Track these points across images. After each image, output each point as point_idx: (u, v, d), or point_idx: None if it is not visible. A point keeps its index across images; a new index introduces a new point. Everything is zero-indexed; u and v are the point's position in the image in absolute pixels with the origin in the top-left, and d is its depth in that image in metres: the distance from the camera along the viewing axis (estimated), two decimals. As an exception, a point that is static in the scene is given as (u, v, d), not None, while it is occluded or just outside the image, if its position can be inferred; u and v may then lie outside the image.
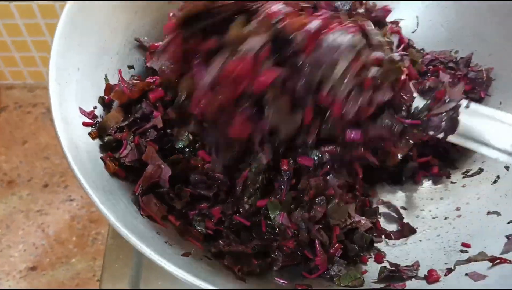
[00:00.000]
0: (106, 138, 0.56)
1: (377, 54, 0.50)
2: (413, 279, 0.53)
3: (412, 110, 0.53)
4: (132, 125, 0.57)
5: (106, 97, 0.60)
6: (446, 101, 0.53)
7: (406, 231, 0.61)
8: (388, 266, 0.56)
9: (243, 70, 0.45)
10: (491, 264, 0.52)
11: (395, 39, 0.73)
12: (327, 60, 0.46)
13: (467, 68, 0.74)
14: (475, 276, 0.51)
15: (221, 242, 0.54)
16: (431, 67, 0.76)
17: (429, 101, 0.54)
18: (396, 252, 0.59)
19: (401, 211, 0.64)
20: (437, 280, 0.52)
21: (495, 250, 0.54)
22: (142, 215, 0.51)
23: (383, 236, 0.60)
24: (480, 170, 0.66)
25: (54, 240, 1.10)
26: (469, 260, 0.54)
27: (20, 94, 1.33)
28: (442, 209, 0.64)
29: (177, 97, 0.51)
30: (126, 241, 0.43)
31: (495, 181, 0.64)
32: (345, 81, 0.46)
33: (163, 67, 0.51)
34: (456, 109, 0.53)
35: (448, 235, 0.60)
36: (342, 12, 0.56)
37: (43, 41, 1.17)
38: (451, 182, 0.66)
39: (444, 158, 0.67)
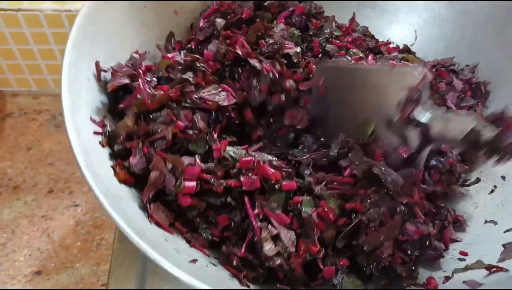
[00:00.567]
0: (116, 147, 0.57)
1: None
2: (412, 286, 0.55)
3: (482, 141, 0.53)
4: (142, 135, 0.59)
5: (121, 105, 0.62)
6: None
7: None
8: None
9: None
10: (487, 272, 0.53)
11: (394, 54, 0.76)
12: None
13: (472, 74, 0.76)
14: (473, 284, 0.52)
15: (227, 243, 0.56)
16: (434, 71, 0.78)
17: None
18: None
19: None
20: (435, 287, 0.54)
21: (492, 258, 0.55)
22: (150, 222, 0.53)
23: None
24: (478, 180, 0.68)
25: (59, 245, 1.11)
26: (466, 268, 0.55)
27: (25, 101, 1.35)
28: (442, 218, 0.65)
29: None
30: (131, 246, 0.44)
31: (492, 191, 0.66)
32: None
33: None
34: None
35: (446, 243, 0.61)
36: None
37: (49, 50, 1.19)
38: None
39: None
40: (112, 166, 0.55)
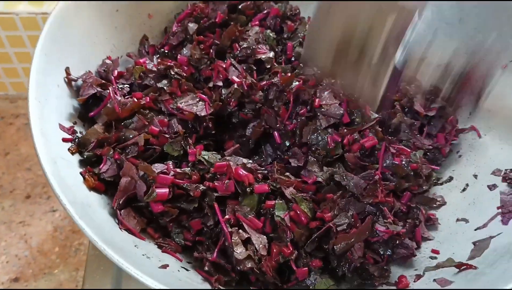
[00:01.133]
0: (86, 154, 0.57)
1: None
2: (384, 285, 0.55)
3: None
4: (113, 141, 0.59)
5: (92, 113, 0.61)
6: None
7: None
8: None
9: None
10: (457, 270, 0.54)
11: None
12: None
13: None
14: (443, 282, 0.53)
15: (199, 248, 0.56)
16: None
17: None
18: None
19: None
20: (406, 286, 0.54)
21: (462, 256, 0.56)
22: (120, 228, 0.52)
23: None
24: (450, 179, 0.69)
25: (37, 251, 1.10)
26: (437, 266, 0.56)
27: (2, 105, 1.33)
28: (414, 217, 0.66)
29: None
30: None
31: (464, 189, 0.66)
32: None
33: None
34: None
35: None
36: None
37: (25, 53, 1.17)
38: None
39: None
40: (81, 173, 0.55)
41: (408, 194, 0.63)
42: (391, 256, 0.57)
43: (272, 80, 0.69)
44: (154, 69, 0.67)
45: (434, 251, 0.59)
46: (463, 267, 0.54)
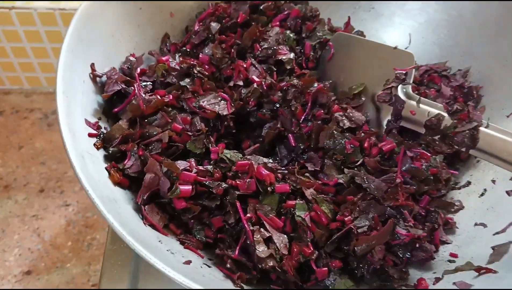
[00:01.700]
0: (111, 149, 0.58)
1: None
2: (403, 287, 0.56)
3: (441, 127, 0.64)
4: (137, 138, 0.59)
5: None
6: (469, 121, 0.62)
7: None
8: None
9: None
10: (477, 273, 0.54)
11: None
12: None
13: (464, 78, 0.77)
14: (462, 285, 0.53)
15: (221, 245, 0.56)
16: (426, 76, 0.79)
17: (455, 121, 0.63)
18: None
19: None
20: (426, 288, 0.55)
21: (481, 260, 0.56)
22: (144, 223, 0.53)
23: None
24: (468, 183, 0.69)
25: (50, 245, 1.11)
26: (456, 270, 0.56)
27: (17, 99, 1.34)
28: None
29: None
30: (124, 247, 0.45)
31: (482, 194, 0.67)
32: None
33: None
34: (476, 128, 0.61)
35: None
36: None
37: (42, 48, 1.18)
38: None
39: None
40: (106, 168, 0.55)
41: (427, 198, 0.63)
42: (410, 258, 0.57)
43: (292, 82, 0.69)
44: (177, 67, 0.68)
45: (452, 254, 0.59)
46: (482, 271, 0.54)
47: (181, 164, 0.57)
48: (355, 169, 0.62)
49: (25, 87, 1.32)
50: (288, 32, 0.79)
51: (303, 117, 0.68)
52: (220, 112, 0.65)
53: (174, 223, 0.57)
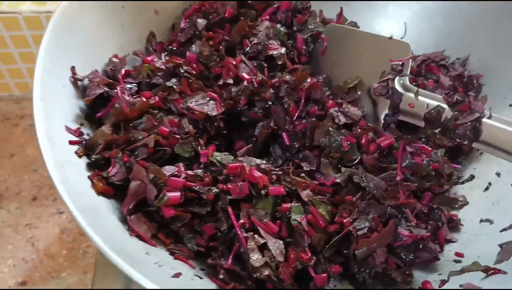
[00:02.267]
0: (94, 157, 0.55)
1: None
2: (407, 292, 0.53)
3: (442, 120, 0.61)
4: (122, 143, 0.56)
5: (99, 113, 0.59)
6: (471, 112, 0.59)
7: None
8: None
9: None
10: (485, 274, 0.51)
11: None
12: None
13: (463, 67, 0.74)
14: (470, 287, 0.51)
15: (213, 254, 0.53)
16: (424, 66, 0.76)
17: (456, 112, 0.60)
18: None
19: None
20: (431, 291, 0.52)
21: (489, 259, 0.53)
22: (130, 235, 0.50)
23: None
24: (472, 177, 0.66)
25: (44, 254, 1.08)
26: (462, 271, 0.53)
27: (7, 106, 1.31)
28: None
29: None
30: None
31: (486, 188, 0.64)
32: None
33: None
34: (479, 119, 0.58)
35: (441, 244, 0.59)
36: None
37: (29, 53, 1.15)
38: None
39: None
40: (89, 177, 0.52)
41: (429, 195, 0.60)
42: (413, 260, 0.55)
43: (284, 78, 0.66)
44: (163, 67, 0.65)
45: (458, 254, 0.57)
46: (490, 272, 0.52)
47: (168, 169, 0.55)
48: (353, 167, 0.59)
49: (15, 94, 1.30)
50: (278, 26, 0.76)
51: (296, 114, 0.65)
52: (209, 112, 0.62)
53: (163, 233, 0.54)
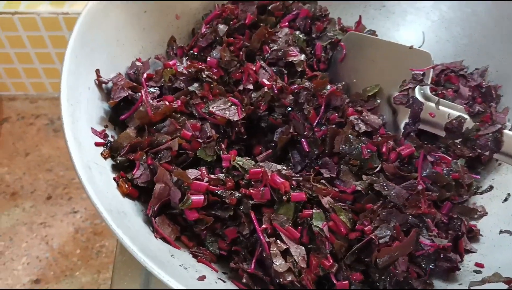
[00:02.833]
0: (119, 159, 0.55)
1: None
2: (427, 300, 0.53)
3: (463, 130, 0.62)
4: (146, 146, 0.57)
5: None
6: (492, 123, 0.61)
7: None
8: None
9: None
10: (507, 286, 0.51)
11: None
12: None
13: (482, 78, 0.74)
14: (492, 298, 0.51)
15: (235, 258, 0.54)
16: (443, 76, 0.77)
17: (478, 123, 0.61)
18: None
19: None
20: (452, 301, 0.52)
21: (509, 270, 0.53)
22: (155, 237, 0.51)
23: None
24: (490, 188, 0.66)
25: (58, 253, 1.09)
26: (483, 281, 0.53)
27: (23, 106, 1.33)
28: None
29: None
30: (134, 257, 0.42)
31: (505, 199, 0.64)
32: None
33: None
34: (500, 130, 0.59)
35: (461, 254, 0.59)
36: None
37: (46, 53, 1.16)
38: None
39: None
40: (114, 179, 0.53)
41: (448, 204, 0.60)
42: (433, 269, 0.55)
43: (304, 85, 0.67)
44: (185, 71, 0.65)
45: (478, 264, 0.57)
46: (512, 283, 0.52)
47: (192, 173, 0.55)
48: (373, 175, 0.59)
49: (30, 93, 1.31)
50: (297, 32, 0.76)
51: (316, 121, 0.65)
52: (230, 117, 0.62)
53: (186, 235, 0.54)
